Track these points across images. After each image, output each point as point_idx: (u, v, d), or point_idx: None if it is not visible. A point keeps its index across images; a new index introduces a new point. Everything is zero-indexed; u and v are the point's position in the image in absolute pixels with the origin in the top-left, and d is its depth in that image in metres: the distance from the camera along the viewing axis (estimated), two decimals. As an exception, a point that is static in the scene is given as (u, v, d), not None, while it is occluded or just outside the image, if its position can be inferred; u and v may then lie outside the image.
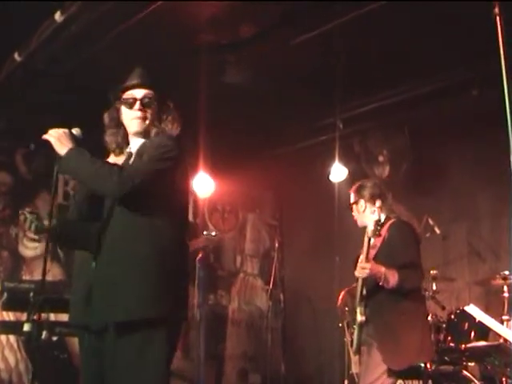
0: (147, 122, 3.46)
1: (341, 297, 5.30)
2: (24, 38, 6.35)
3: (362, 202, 5.08)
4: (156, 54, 6.99)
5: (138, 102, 3.46)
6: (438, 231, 6.79)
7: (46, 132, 3.53)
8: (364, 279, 4.65)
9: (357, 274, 4.67)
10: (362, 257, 4.62)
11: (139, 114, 3.45)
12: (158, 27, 6.31)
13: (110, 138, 3.63)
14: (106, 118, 3.65)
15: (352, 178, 8.34)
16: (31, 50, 6.41)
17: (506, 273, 5.83)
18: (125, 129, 3.55)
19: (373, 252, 4.78)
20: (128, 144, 3.58)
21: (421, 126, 7.92)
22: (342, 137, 8.04)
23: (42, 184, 8.62)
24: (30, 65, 6.72)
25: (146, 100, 3.48)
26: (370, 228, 4.55)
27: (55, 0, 5.65)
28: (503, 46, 2.22)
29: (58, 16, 5.78)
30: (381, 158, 8.16)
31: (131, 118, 3.48)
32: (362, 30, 6.31)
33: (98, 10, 5.66)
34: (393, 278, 4.58)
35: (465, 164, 7.61)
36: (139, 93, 3.49)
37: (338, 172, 8.14)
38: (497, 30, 2.27)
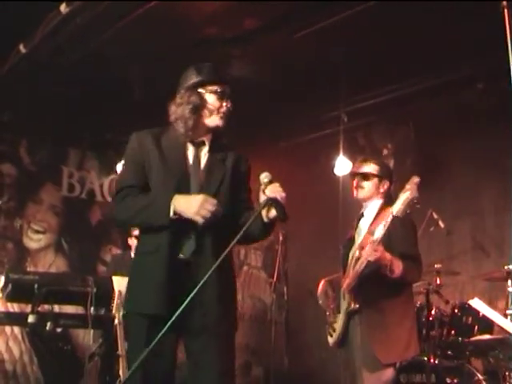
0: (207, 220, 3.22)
1: (321, 286, 5.17)
2: (29, 29, 6.35)
3: (387, 183, 4.85)
4: (160, 47, 7.01)
5: (227, 97, 3.43)
6: (442, 225, 6.78)
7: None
8: (366, 264, 4.39)
9: (365, 255, 4.34)
10: (375, 237, 4.31)
11: (227, 109, 3.43)
12: (163, 20, 6.31)
13: (183, 124, 3.38)
14: (187, 101, 3.38)
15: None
16: (36, 42, 6.41)
17: (511, 267, 5.82)
18: (197, 117, 3.39)
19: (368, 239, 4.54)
20: (197, 134, 3.44)
21: (425, 119, 7.91)
22: (347, 130, 8.03)
23: (46, 175, 8.65)
24: (35, 57, 6.73)
25: (232, 98, 3.47)
26: (399, 207, 4.16)
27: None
28: (511, 38, 2.21)
29: (63, 8, 5.78)
30: (385, 152, 8.16)
31: (220, 111, 3.41)
32: (367, 23, 6.30)
33: (102, 3, 5.66)
34: (398, 268, 4.39)
35: (469, 158, 7.60)
36: (227, 89, 3.45)
37: (343, 165, 8.13)
38: (504, 23, 2.25)
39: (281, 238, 8.65)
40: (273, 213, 3.23)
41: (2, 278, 5.48)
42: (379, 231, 4.29)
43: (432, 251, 7.41)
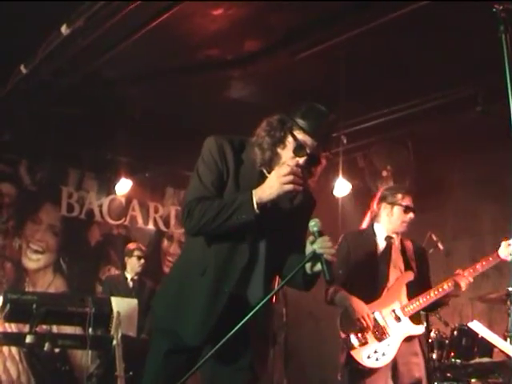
0: (297, 188, 2.95)
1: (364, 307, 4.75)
2: (30, 50, 6.38)
3: None
4: (161, 68, 7.04)
5: (305, 158, 2.99)
6: (441, 247, 6.75)
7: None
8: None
9: (463, 285, 4.75)
10: (469, 272, 4.81)
11: (298, 165, 2.97)
12: (164, 41, 6.34)
13: (260, 153, 3.06)
14: (269, 133, 3.06)
15: (355, 193, 8.34)
16: (37, 63, 6.44)
17: (510, 289, 5.80)
18: (273, 153, 3.04)
19: (414, 264, 4.90)
20: (271, 169, 3.05)
21: (425, 141, 7.92)
22: (346, 152, 8.04)
23: (45, 195, 8.64)
24: (35, 77, 6.75)
25: (314, 162, 3.05)
26: (507, 252, 4.82)
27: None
28: (509, 64, 2.22)
29: (63, 29, 5.80)
30: (384, 173, 8.15)
31: (287, 164, 2.97)
32: (366, 45, 6.34)
33: (103, 24, 5.69)
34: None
35: (468, 180, 7.61)
36: (315, 150, 3.01)
37: (342, 187, 8.13)
38: (502, 49, 2.26)
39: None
40: (317, 267, 2.94)
41: (1, 298, 5.47)
42: (478, 268, 4.85)
43: (431, 273, 7.39)
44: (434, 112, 7.31)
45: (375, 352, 4.59)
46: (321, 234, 2.92)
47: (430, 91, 7.12)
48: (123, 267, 7.78)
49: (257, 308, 2.76)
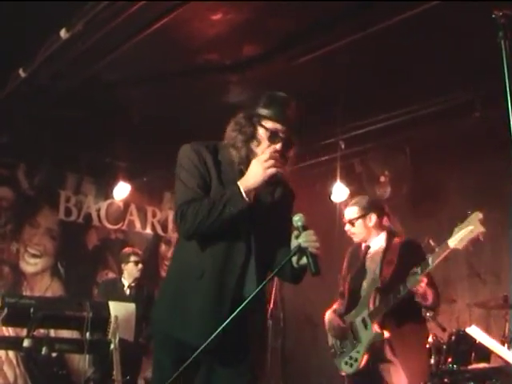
0: (279, 171, 3.08)
1: (329, 316, 5.14)
2: (29, 54, 6.38)
3: (373, 216, 5.03)
4: (160, 72, 7.05)
5: (281, 143, 3.12)
6: (438, 253, 6.76)
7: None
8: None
9: (409, 284, 4.45)
10: (421, 268, 4.45)
11: (278, 153, 3.10)
12: (163, 45, 6.35)
13: (236, 152, 3.17)
14: (240, 130, 3.18)
15: (353, 199, 8.34)
16: (36, 66, 6.44)
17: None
18: (249, 150, 3.15)
19: (390, 269, 4.78)
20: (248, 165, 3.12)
21: (423, 146, 7.92)
22: (344, 157, 8.05)
23: (43, 199, 8.65)
24: (34, 81, 6.75)
25: (289, 146, 3.17)
26: (458, 241, 4.43)
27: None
28: (508, 70, 2.23)
29: (63, 33, 5.81)
30: (382, 179, 8.15)
31: (267, 153, 3.08)
32: (364, 51, 6.35)
33: (102, 28, 5.69)
34: (430, 296, 4.62)
35: (466, 185, 7.61)
36: (287, 133, 3.14)
37: (340, 192, 8.14)
38: (501, 55, 2.27)
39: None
40: (303, 260, 3.02)
41: (-2, 302, 5.46)
42: (429, 263, 4.47)
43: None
44: (431, 118, 7.31)
45: (350, 359, 4.78)
46: (305, 228, 3.03)
47: (428, 97, 7.12)
48: (120, 273, 7.65)
49: (247, 300, 2.82)
